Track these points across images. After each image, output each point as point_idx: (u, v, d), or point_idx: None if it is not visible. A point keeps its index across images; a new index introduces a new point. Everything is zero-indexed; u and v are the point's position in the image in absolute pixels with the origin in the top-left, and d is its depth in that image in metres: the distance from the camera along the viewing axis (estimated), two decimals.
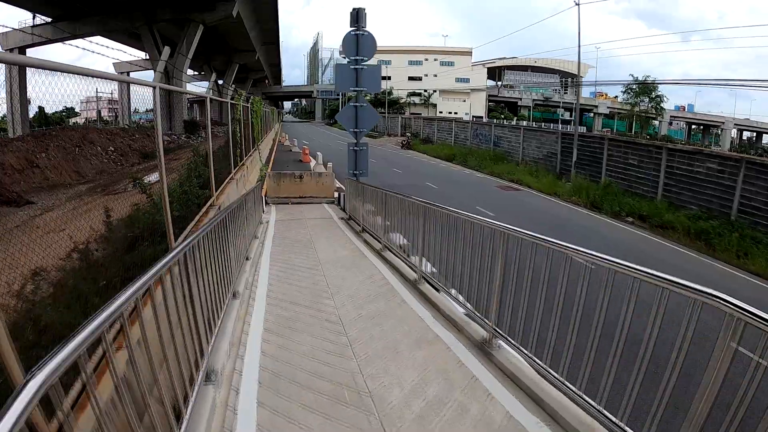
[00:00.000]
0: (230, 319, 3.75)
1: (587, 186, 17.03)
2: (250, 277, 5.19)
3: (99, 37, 31.97)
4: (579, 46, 18.68)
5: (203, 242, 3.02)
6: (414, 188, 16.66)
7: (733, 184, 12.87)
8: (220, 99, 9.30)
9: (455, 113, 66.77)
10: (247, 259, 5.64)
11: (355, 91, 9.04)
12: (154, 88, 3.88)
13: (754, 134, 72.52)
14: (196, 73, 55.13)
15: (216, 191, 7.66)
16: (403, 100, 69.87)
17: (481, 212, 13.42)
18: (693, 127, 76.53)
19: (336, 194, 12.15)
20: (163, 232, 4.33)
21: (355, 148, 9.38)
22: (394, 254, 6.08)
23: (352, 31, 8.78)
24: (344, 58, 9.20)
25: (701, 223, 12.90)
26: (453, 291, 4.29)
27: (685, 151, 15.34)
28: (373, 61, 9.55)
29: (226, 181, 9.55)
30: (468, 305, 3.92)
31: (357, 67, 8.83)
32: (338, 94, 78.61)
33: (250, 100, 16.20)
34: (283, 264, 6.16)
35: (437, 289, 4.64)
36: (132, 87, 4.80)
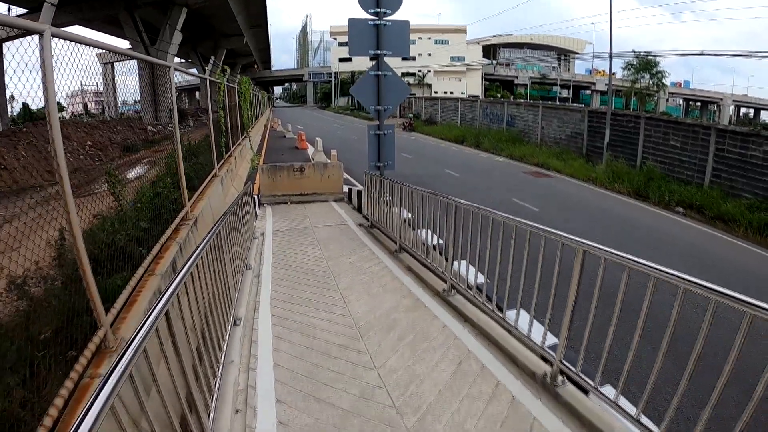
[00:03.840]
0: None
1: (627, 171, 14.96)
2: (242, 376, 2.95)
3: (77, 26, 29.27)
4: (611, 11, 16.29)
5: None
6: (433, 178, 14.54)
7: None
8: (186, 71, 7.04)
9: (451, 92, 64.16)
10: (235, 324, 3.45)
11: (375, 55, 6.51)
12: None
13: (752, 110, 71.30)
14: (182, 60, 52.18)
15: (190, 200, 5.48)
16: None
17: (521, 206, 11.38)
18: (690, 103, 74.99)
19: (345, 189, 9.93)
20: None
21: (378, 132, 6.93)
22: (473, 304, 3.80)
23: None
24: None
25: (762, 214, 11.26)
26: (624, 403, 2.24)
27: (739, 132, 13.41)
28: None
29: (207, 179, 7.36)
30: None
31: (378, 22, 6.33)
32: (330, 77, 75.33)
33: (237, 81, 13.82)
34: (296, 334, 3.64)
35: (586, 392, 2.53)
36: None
